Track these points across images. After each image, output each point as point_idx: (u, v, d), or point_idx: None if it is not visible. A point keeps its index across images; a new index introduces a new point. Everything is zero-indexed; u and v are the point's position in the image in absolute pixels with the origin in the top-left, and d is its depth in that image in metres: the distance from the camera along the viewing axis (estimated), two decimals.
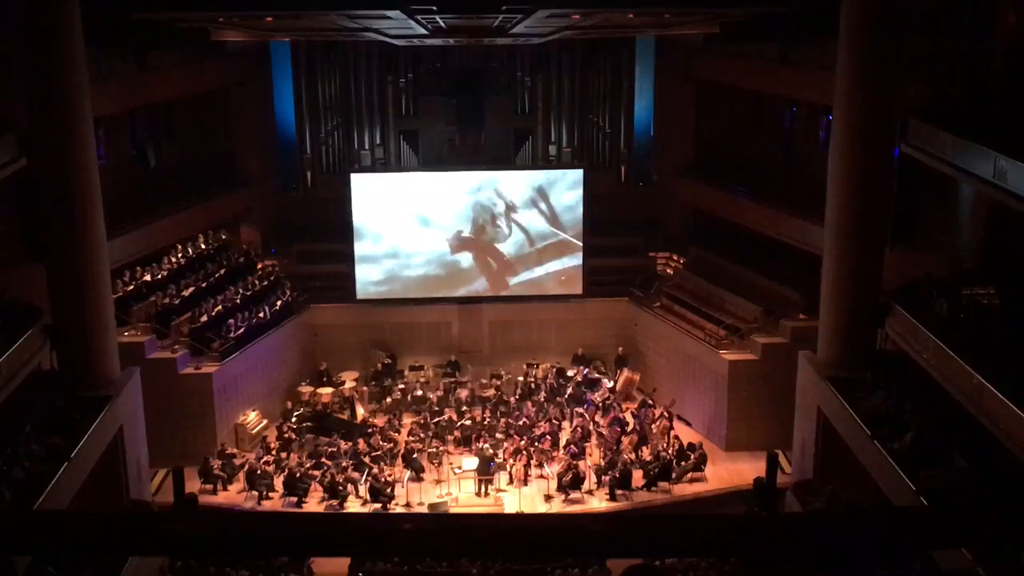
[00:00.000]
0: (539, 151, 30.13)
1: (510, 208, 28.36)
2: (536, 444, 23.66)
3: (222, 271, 27.00)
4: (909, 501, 16.02)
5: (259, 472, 22.71)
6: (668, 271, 29.71)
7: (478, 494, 22.47)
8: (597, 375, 27.42)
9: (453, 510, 21.61)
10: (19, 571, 14.33)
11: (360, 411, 26.17)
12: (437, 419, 25.20)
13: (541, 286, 28.70)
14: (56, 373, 19.62)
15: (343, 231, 28.02)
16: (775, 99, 27.09)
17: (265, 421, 25.60)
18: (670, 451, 23.64)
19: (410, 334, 28.68)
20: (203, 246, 27.51)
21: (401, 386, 27.06)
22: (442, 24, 22.53)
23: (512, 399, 26.27)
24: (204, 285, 25.95)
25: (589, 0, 20.69)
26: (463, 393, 26.62)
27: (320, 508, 22.01)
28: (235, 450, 23.98)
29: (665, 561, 17.79)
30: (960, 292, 18.35)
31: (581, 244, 28.41)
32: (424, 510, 21.69)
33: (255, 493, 22.52)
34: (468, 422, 24.92)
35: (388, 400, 26.77)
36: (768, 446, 21.77)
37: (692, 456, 23.37)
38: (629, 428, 24.47)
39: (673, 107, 29.91)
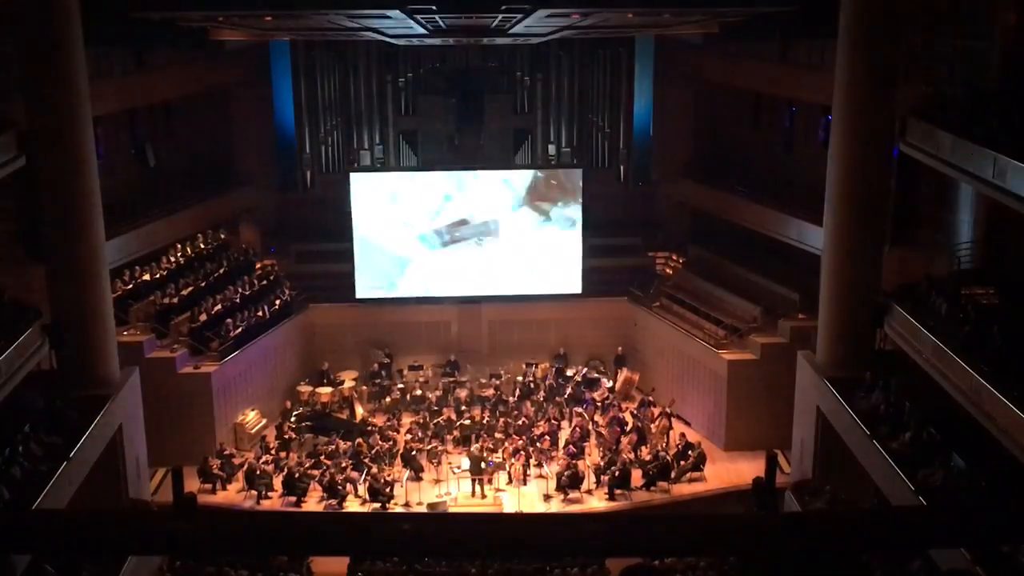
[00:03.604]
0: (538, 151, 30.14)
1: (509, 207, 28.35)
2: (535, 444, 23.67)
3: (221, 270, 27.00)
4: (908, 500, 16.04)
5: (258, 472, 22.72)
6: (667, 271, 29.71)
7: (473, 495, 22.44)
8: (596, 375, 27.42)
9: (452, 510, 21.60)
10: (18, 570, 14.33)
11: (359, 411, 26.18)
12: (436, 419, 25.20)
13: (540, 285, 28.69)
14: (55, 372, 19.59)
15: (342, 230, 28.02)
16: (774, 99, 27.09)
17: (264, 420, 25.61)
18: (670, 451, 23.66)
19: (409, 333, 28.67)
20: (202, 245, 27.53)
21: (400, 386, 27.06)
22: (441, 24, 22.53)
23: (511, 399, 26.27)
24: (203, 285, 25.95)
25: (588, 0, 20.69)
26: (462, 393, 26.63)
27: (319, 508, 22.01)
28: (234, 450, 23.99)
29: (664, 561, 17.80)
30: (959, 292, 18.34)
31: (580, 244, 28.41)
32: (423, 510, 21.70)
33: (254, 492, 22.52)
34: (467, 422, 24.91)
35: (387, 400, 26.78)
36: (767, 446, 21.76)
37: (691, 456, 23.37)
38: (628, 428, 24.47)
39: (672, 107, 29.92)
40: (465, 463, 22.88)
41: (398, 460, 23.59)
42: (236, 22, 24.26)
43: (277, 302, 27.00)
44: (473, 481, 22.48)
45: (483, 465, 22.58)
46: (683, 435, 24.23)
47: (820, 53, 23.03)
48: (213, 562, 18.12)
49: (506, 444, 23.71)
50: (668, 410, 24.97)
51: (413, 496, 22.37)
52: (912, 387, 18.52)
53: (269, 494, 22.58)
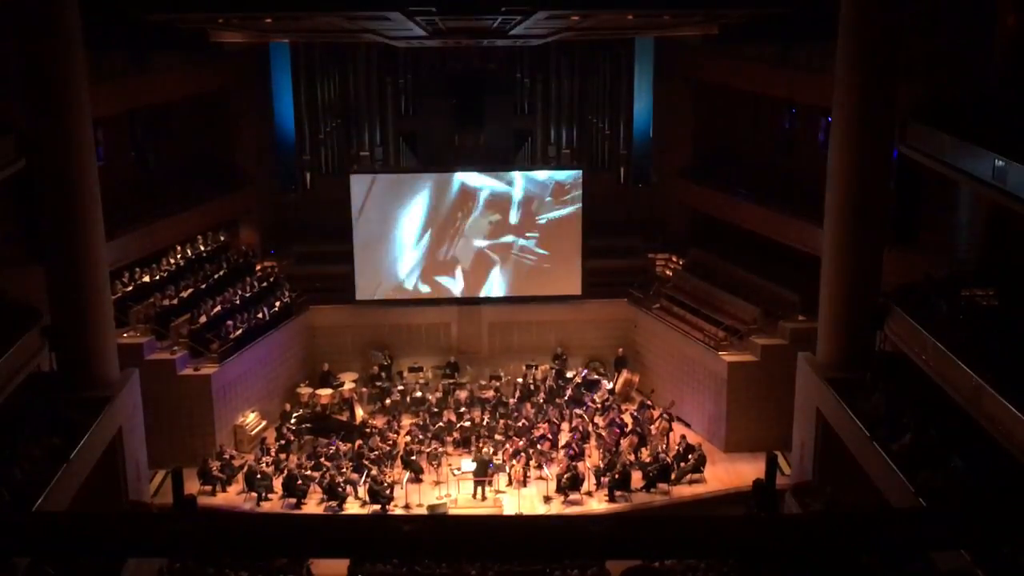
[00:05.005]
0: (538, 152, 30.15)
1: (509, 208, 28.36)
2: (535, 445, 23.65)
3: (221, 272, 27.00)
4: (908, 502, 16.03)
5: (258, 473, 22.70)
6: (667, 272, 29.70)
7: (474, 497, 22.43)
8: (596, 376, 27.40)
9: (452, 512, 21.59)
10: (19, 571, 14.32)
11: (359, 412, 26.16)
12: (436, 421, 25.18)
13: (540, 287, 28.69)
14: (55, 374, 19.59)
15: (342, 232, 28.02)
16: (774, 100, 27.10)
17: (264, 422, 25.60)
18: (670, 453, 23.65)
19: (409, 335, 28.68)
20: (202, 247, 27.52)
21: (400, 387, 27.05)
22: (441, 26, 22.54)
23: (511, 400, 26.25)
24: (203, 286, 25.95)
25: (588, 1, 20.69)
26: (462, 394, 26.61)
27: (319, 509, 22.00)
28: (234, 451, 23.96)
29: (664, 562, 17.80)
30: (959, 293, 18.35)
31: (580, 245, 28.40)
32: (423, 511, 21.69)
33: (254, 494, 22.50)
34: (467, 423, 24.90)
35: (387, 401, 26.76)
36: (767, 447, 21.78)
37: (691, 457, 23.36)
38: (628, 429, 24.46)
39: (672, 108, 29.92)
40: (467, 465, 22.85)
41: (398, 462, 23.57)
42: (236, 24, 24.26)
43: (277, 304, 27.00)
44: (475, 483, 22.47)
45: (488, 467, 22.59)
46: (683, 437, 24.22)
47: (820, 54, 23.04)
48: (213, 564, 18.10)
49: (506, 446, 23.71)
50: (668, 412, 24.97)
51: (413, 498, 22.36)
52: (912, 389, 18.52)
53: (269, 496, 22.56)
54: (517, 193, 28.36)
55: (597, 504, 22.38)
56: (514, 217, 28.41)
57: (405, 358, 28.18)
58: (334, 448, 23.67)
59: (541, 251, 28.55)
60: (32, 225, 20.05)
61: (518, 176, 28.76)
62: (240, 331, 25.01)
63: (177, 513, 18.13)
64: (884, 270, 20.58)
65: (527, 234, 28.49)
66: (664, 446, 24.08)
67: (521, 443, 23.63)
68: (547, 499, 22.47)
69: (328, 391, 26.60)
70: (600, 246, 28.93)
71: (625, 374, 27.56)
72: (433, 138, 30.01)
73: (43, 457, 17.15)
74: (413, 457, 23.30)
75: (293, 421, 25.13)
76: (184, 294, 25.31)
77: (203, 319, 24.80)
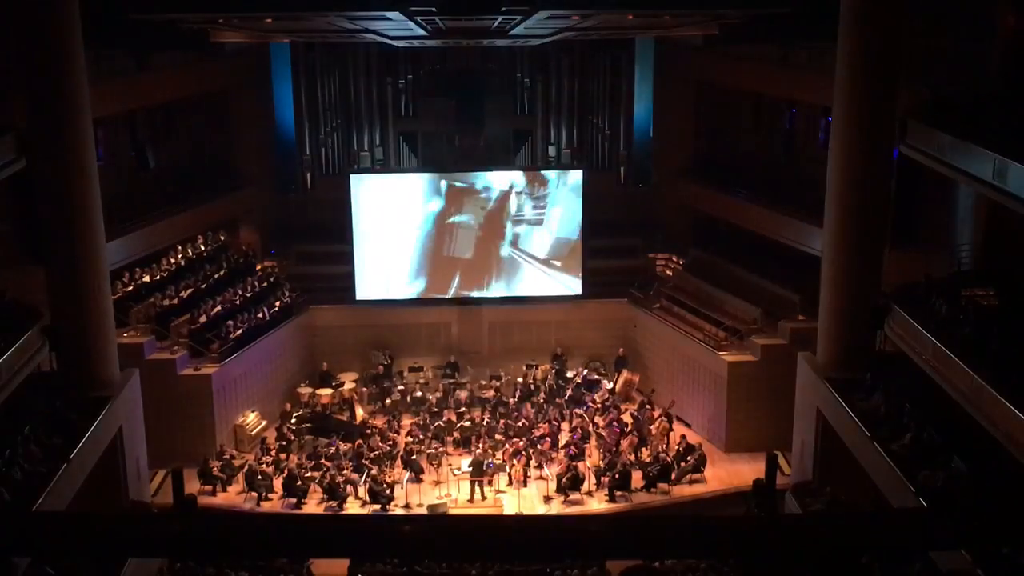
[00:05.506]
0: (538, 152, 30.14)
1: (509, 209, 28.36)
2: (535, 445, 23.66)
3: (221, 272, 26.99)
4: (908, 502, 16.03)
5: (258, 473, 22.72)
6: (667, 272, 29.70)
7: (472, 497, 22.41)
8: (597, 376, 27.40)
9: (452, 511, 21.60)
10: (19, 571, 14.33)
11: (359, 412, 26.17)
12: (436, 420, 25.18)
13: (540, 287, 28.69)
14: (55, 374, 19.60)
15: (342, 232, 28.02)
16: (775, 100, 27.09)
17: (264, 422, 25.60)
18: (670, 452, 23.65)
19: (409, 335, 28.66)
20: (202, 247, 27.51)
21: (400, 387, 27.04)
22: (441, 25, 22.55)
23: (511, 400, 26.25)
24: (203, 286, 25.95)
25: (588, 2, 20.69)
26: (462, 394, 26.61)
27: (319, 509, 22.01)
28: (234, 451, 23.98)
29: (664, 562, 17.81)
30: (959, 293, 18.35)
31: (580, 245, 28.41)
32: (423, 511, 21.70)
33: (254, 494, 22.52)
34: (467, 423, 24.90)
35: (387, 401, 26.76)
36: (767, 447, 21.77)
37: (691, 457, 23.37)
38: (628, 429, 24.46)
39: (672, 108, 29.90)
40: (467, 465, 22.84)
41: (398, 462, 23.58)
42: (236, 24, 24.27)
43: (277, 304, 26.99)
44: (472, 483, 22.46)
45: (485, 467, 22.58)
46: (683, 437, 24.23)
47: (820, 54, 23.04)
48: (213, 564, 18.10)
49: (506, 446, 23.70)
50: (668, 412, 24.98)
51: (413, 498, 22.36)
52: (912, 388, 18.52)
53: (269, 496, 22.58)
54: (517, 193, 28.34)
55: (597, 504, 22.38)
56: (514, 217, 28.40)
57: (405, 358, 28.17)
58: (334, 448, 23.69)
59: (541, 251, 28.54)
60: (32, 225, 20.04)
61: (518, 176, 28.76)
62: (240, 331, 25.01)
63: (177, 513, 18.14)
64: (884, 270, 20.58)
65: (527, 234, 28.48)
66: (664, 446, 24.08)
67: (521, 443, 23.63)
68: (547, 499, 22.48)
69: (328, 391, 26.60)
70: (600, 246, 28.91)
71: (625, 374, 27.56)
72: (433, 138, 30.00)
73: (43, 457, 17.17)
74: (413, 457, 23.30)
75: (293, 421, 25.14)
76: (184, 294, 25.31)
77: (203, 319, 24.80)
